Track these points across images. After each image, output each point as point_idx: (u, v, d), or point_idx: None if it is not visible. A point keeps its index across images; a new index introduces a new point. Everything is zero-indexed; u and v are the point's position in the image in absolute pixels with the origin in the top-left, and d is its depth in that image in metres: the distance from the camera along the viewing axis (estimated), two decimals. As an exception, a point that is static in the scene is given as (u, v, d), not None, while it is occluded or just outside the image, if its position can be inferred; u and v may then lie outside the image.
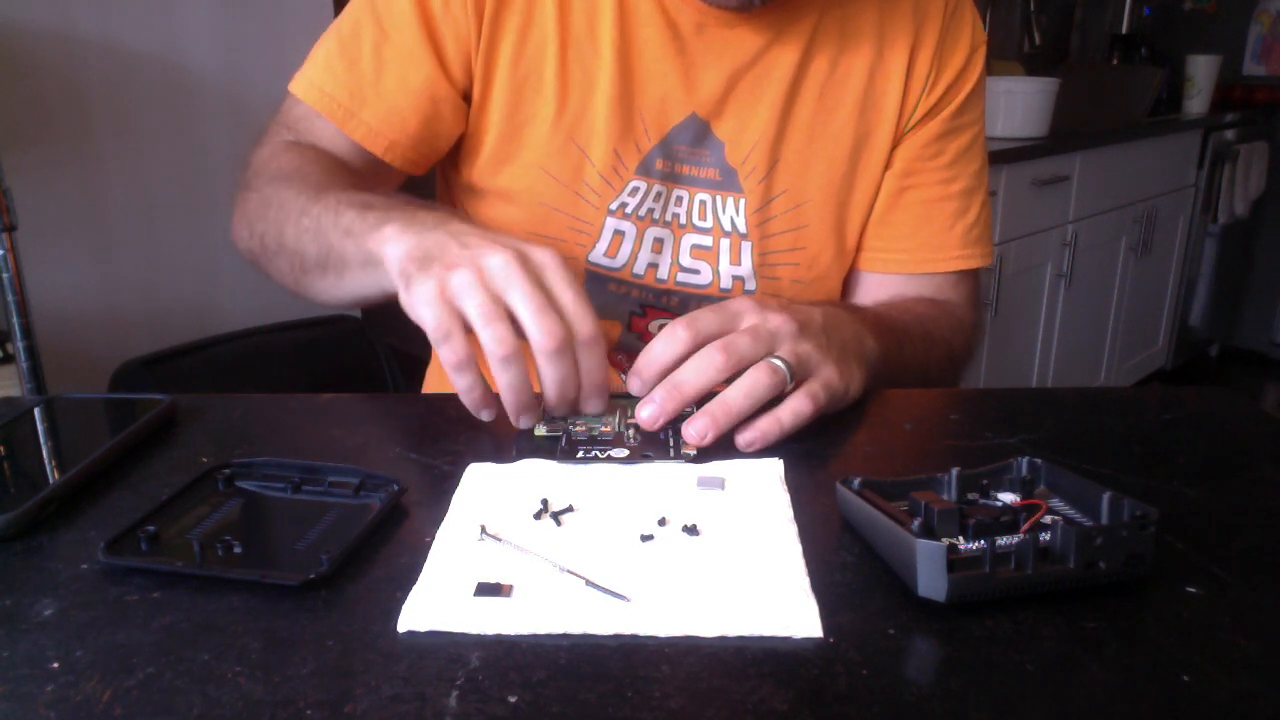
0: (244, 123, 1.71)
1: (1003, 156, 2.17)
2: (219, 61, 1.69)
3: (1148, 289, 3.03)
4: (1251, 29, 3.50)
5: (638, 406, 0.56)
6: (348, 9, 0.77)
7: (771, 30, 0.77)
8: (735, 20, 0.76)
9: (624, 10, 0.75)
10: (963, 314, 0.84)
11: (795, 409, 0.55)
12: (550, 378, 0.54)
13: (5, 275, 1.30)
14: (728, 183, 0.79)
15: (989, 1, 2.96)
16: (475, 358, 0.53)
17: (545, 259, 0.55)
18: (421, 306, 0.53)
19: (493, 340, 0.52)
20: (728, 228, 0.80)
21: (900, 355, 0.71)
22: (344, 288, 0.65)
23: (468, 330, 0.53)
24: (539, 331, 0.52)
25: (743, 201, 0.79)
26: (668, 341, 0.57)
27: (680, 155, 0.78)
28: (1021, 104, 2.34)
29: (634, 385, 0.58)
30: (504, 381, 0.54)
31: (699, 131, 0.78)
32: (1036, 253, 2.42)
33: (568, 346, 0.53)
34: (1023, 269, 2.38)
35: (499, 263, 0.53)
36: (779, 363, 0.56)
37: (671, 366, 0.57)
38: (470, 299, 0.52)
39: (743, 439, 0.55)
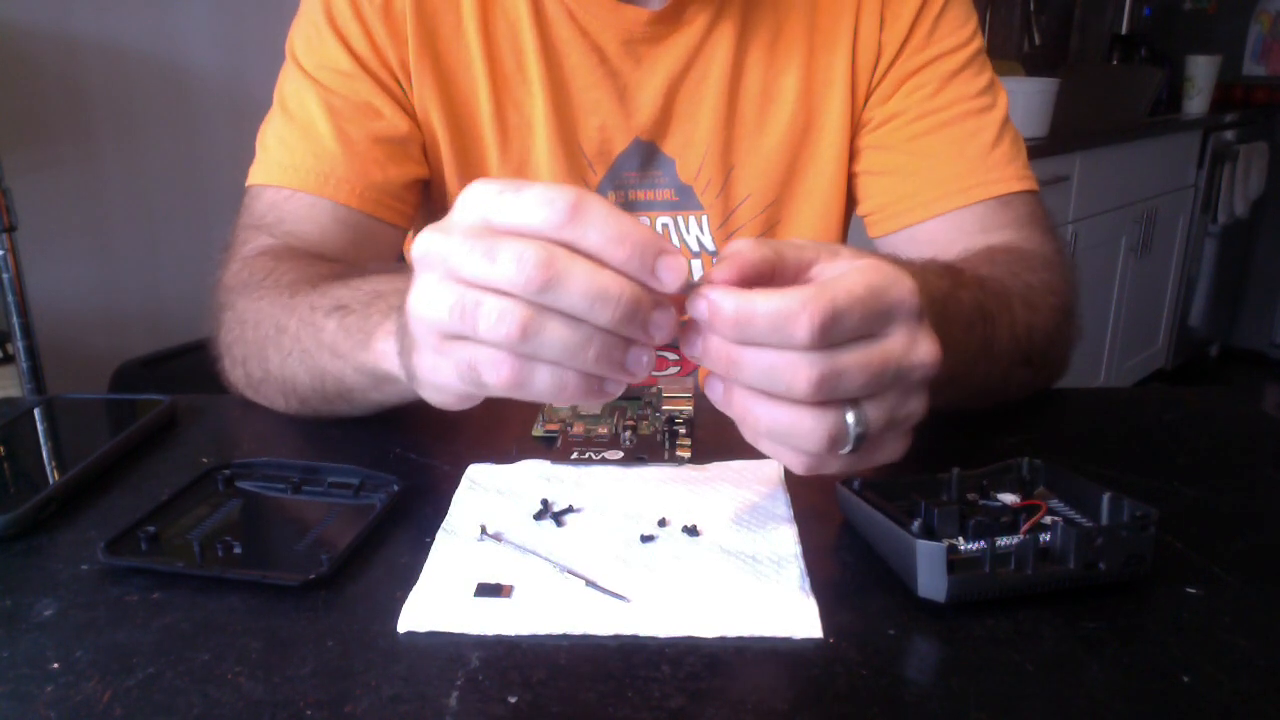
0: (244, 123, 1.70)
1: (1003, 156, 2.17)
2: (219, 61, 1.70)
3: (1147, 289, 3.02)
4: (1251, 29, 3.50)
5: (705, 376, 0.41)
6: (281, 90, 0.73)
7: (699, 32, 0.72)
8: (660, 32, 0.71)
9: (546, 40, 0.71)
10: (1035, 245, 0.69)
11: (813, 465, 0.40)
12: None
13: (5, 275, 1.30)
14: (685, 201, 0.75)
15: (989, 1, 2.96)
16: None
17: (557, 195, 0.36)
18: (431, 389, 0.42)
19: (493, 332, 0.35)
20: (695, 248, 0.76)
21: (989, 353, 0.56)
22: (361, 408, 0.56)
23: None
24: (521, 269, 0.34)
25: (705, 219, 0.75)
26: (779, 301, 0.36)
27: (630, 182, 0.74)
28: (1021, 104, 2.34)
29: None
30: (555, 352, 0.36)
31: (646, 154, 0.74)
32: (1036, 253, 2.42)
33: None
34: (1023, 269, 2.38)
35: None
36: (852, 419, 0.38)
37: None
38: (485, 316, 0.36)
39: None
